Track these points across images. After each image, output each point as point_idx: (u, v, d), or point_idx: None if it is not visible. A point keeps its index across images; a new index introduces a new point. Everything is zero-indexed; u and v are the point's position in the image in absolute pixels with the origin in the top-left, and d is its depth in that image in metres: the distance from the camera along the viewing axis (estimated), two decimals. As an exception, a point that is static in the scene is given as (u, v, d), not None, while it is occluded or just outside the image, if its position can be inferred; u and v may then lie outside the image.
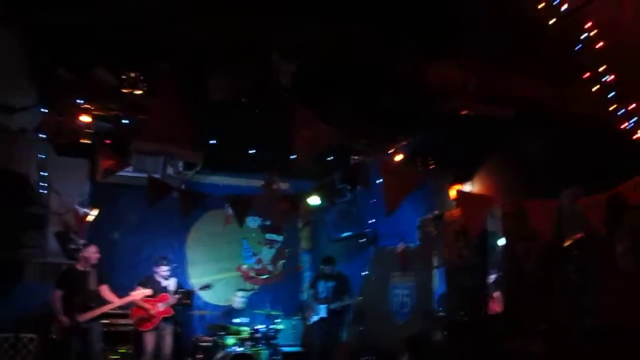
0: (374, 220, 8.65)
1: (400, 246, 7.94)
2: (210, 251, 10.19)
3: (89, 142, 6.09)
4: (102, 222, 9.16)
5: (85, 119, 5.69)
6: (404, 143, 6.42)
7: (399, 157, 6.41)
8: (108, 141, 6.08)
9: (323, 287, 9.01)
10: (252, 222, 10.52)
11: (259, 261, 10.65)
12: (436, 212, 7.28)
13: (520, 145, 5.81)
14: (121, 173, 8.15)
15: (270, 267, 10.71)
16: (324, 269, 9.06)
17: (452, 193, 6.73)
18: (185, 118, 4.69)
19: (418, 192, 7.46)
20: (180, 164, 8.28)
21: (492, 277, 6.23)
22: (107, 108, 5.60)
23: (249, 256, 10.59)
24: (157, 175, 8.24)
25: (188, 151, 5.04)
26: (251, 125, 6.50)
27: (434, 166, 7.15)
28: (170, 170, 8.16)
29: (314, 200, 9.87)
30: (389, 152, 6.54)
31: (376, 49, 4.69)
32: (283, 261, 10.81)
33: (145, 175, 8.20)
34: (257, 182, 9.96)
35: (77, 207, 8.52)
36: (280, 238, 10.85)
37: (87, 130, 5.86)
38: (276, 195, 6.78)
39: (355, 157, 6.62)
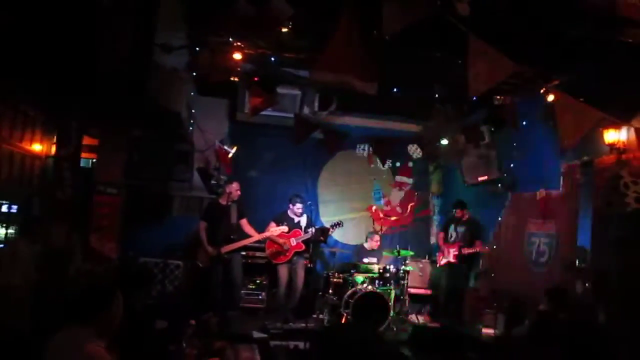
0: (512, 165, 8.24)
1: (541, 192, 7.54)
2: (341, 190, 10.33)
3: (237, 79, 6.31)
4: (240, 160, 9.53)
5: (236, 56, 5.87)
6: (556, 82, 5.92)
7: (551, 98, 5.95)
8: (256, 79, 6.24)
9: (453, 231, 8.88)
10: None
11: (388, 203, 10.65)
12: (585, 157, 6.77)
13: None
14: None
15: (399, 209, 10.69)
16: (455, 213, 8.90)
17: (607, 137, 6.21)
18: (361, 49, 4.63)
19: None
20: (316, 104, 8.38)
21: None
22: (255, 46, 5.72)
23: (379, 197, 10.62)
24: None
25: (363, 82, 4.97)
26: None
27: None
28: (306, 110, 8.28)
29: (445, 142, 9.67)
30: (541, 91, 6.06)
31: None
32: (412, 204, 10.73)
33: (282, 114, 8.51)
34: (389, 124, 10.00)
35: (219, 144, 8.94)
36: (410, 181, 10.74)
37: (237, 69, 6.04)
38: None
39: (499, 97, 6.24)
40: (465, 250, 8.52)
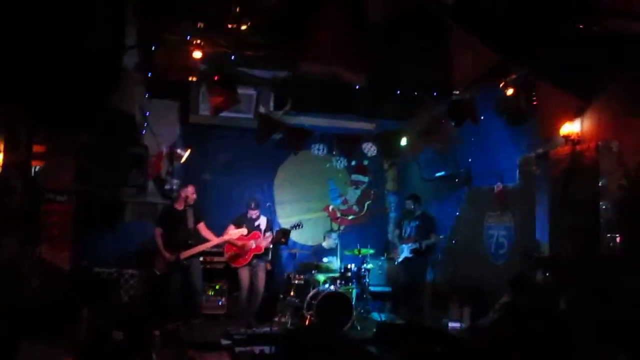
0: (469, 160, 8.35)
1: (498, 186, 7.67)
2: (297, 191, 10.25)
3: (193, 79, 6.10)
4: (193, 163, 9.34)
5: (196, 54, 5.67)
6: (514, 76, 5.99)
7: (509, 92, 6.02)
8: (216, 77, 6.06)
9: (407, 226, 8.91)
10: (338, 162, 10.47)
11: (345, 202, 10.64)
12: (540, 150, 6.92)
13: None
14: (209, 114, 8.24)
15: (356, 208, 10.69)
16: (408, 205, 8.93)
17: (562, 129, 6.35)
18: (349, 39, 4.52)
19: (516, 127, 7.18)
20: (272, 104, 8.25)
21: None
22: (215, 44, 5.54)
23: (336, 197, 10.58)
24: (250, 115, 8.32)
25: (353, 73, 4.84)
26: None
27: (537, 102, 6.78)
28: (262, 110, 8.15)
29: (403, 140, 9.74)
30: (500, 85, 6.12)
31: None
32: (369, 202, 10.74)
33: (236, 115, 8.34)
34: (343, 123, 9.97)
35: (170, 148, 8.69)
36: (366, 179, 10.77)
37: (196, 67, 5.83)
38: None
39: (456, 92, 6.27)
40: (419, 244, 8.54)
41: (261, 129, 6.34)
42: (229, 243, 8.17)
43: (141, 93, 7.37)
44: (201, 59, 5.73)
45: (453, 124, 7.00)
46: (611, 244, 5.81)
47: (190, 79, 6.24)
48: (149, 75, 6.50)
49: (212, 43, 5.60)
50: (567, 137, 6.41)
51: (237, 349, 6.76)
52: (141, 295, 8.05)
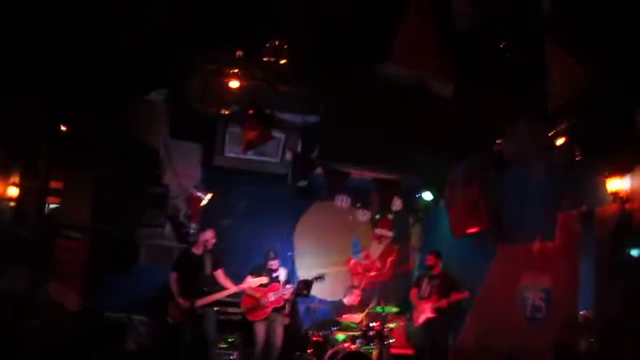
0: (504, 215, 7.93)
1: (536, 243, 7.21)
2: (318, 243, 9.84)
3: (226, 112, 5.83)
4: (212, 208, 9.02)
5: (233, 84, 5.40)
6: (564, 126, 5.64)
7: (560, 142, 5.66)
8: (251, 111, 5.79)
9: (427, 284, 8.45)
10: (362, 215, 10.09)
11: (367, 256, 10.20)
12: (584, 207, 6.52)
13: None
14: (241, 156, 7.98)
15: (378, 264, 10.23)
16: (428, 262, 8.50)
17: (610, 185, 5.97)
18: (436, 42, 4.20)
19: (558, 183, 6.82)
20: (299, 148, 7.98)
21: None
22: (252, 75, 5.29)
23: (357, 251, 10.16)
24: (276, 160, 8.04)
25: (439, 82, 4.46)
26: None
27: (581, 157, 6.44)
28: (288, 156, 7.88)
29: (427, 195, 9.40)
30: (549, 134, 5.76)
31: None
32: (392, 258, 10.29)
33: (262, 158, 8.07)
34: (370, 174, 9.66)
35: (192, 190, 8.39)
36: (390, 234, 10.35)
37: (231, 99, 5.56)
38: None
39: (499, 140, 5.90)
40: (444, 302, 8.03)
41: (296, 169, 6.01)
42: (247, 294, 7.72)
43: (167, 129, 7.11)
44: (237, 89, 5.46)
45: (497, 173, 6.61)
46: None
47: (223, 111, 5.97)
48: (178, 109, 6.22)
49: (250, 74, 5.35)
50: (615, 195, 6.02)
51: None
52: (150, 345, 7.58)
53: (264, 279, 7.63)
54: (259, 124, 5.90)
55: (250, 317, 7.77)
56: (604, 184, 6.10)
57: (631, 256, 5.75)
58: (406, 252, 10.47)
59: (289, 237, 9.72)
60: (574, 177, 6.57)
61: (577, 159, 6.45)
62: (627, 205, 5.91)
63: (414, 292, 8.79)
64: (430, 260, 8.49)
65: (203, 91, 5.40)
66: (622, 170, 5.96)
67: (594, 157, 6.25)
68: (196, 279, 7.24)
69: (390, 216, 10.26)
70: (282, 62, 4.89)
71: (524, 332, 7.20)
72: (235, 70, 5.25)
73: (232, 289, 7.45)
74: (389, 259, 10.28)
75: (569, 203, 6.81)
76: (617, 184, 6.00)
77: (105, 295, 7.46)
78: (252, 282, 7.57)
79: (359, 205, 9.67)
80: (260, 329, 7.77)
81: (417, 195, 9.37)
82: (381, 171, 9.51)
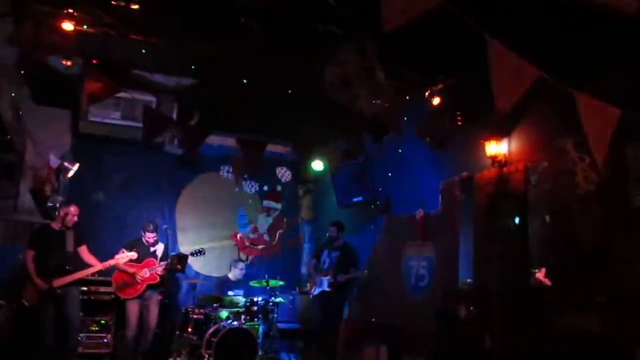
0: (387, 185, 7.79)
1: (419, 213, 7.10)
2: (202, 217, 9.31)
3: (69, 64, 5.12)
4: (84, 180, 8.29)
5: (66, 26, 4.64)
6: (441, 86, 5.47)
7: (436, 101, 5.49)
8: (95, 61, 5.12)
9: (326, 257, 8.18)
10: (249, 187, 9.66)
11: (255, 230, 9.80)
12: (464, 173, 6.44)
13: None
14: (107, 121, 7.29)
15: (267, 237, 9.86)
16: (331, 233, 8.22)
17: (488, 150, 5.90)
18: None
19: (438, 153, 6.72)
20: (174, 114, 7.38)
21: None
22: (96, 21, 4.59)
23: (245, 224, 9.73)
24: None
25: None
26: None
27: (461, 122, 6.35)
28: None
29: (317, 165, 9.12)
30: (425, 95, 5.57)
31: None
32: (281, 231, 9.96)
33: (135, 124, 7.40)
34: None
35: (53, 159, 7.58)
36: (278, 206, 10.00)
37: (69, 45, 4.83)
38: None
39: (377, 101, 5.63)
40: (341, 277, 7.83)
41: (147, 125, 5.43)
42: (118, 270, 7.11)
43: (18, 92, 6.28)
44: (75, 35, 4.72)
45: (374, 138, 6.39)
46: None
47: (64, 63, 5.24)
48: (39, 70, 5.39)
49: (94, 19, 4.64)
50: (493, 159, 5.96)
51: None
52: (8, 331, 6.82)
53: (133, 254, 7.03)
54: (102, 75, 5.23)
55: (122, 295, 7.16)
56: (483, 148, 6.04)
57: (507, 221, 5.74)
58: (295, 224, 10.18)
59: (170, 212, 9.14)
60: (455, 143, 6.48)
61: (457, 123, 6.39)
62: (505, 169, 5.88)
63: (312, 262, 8.52)
64: (332, 231, 8.22)
65: (35, 37, 4.66)
66: (500, 133, 5.92)
67: (473, 120, 6.19)
68: (56, 257, 6.52)
69: (278, 188, 9.90)
70: (134, 6, 4.29)
71: (410, 303, 7.12)
72: (71, 11, 4.54)
73: (98, 266, 6.78)
74: (278, 232, 9.94)
75: (449, 171, 6.75)
76: (494, 148, 5.95)
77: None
78: (120, 257, 6.93)
79: (245, 176, 9.20)
80: (133, 308, 7.17)
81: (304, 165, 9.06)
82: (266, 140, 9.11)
